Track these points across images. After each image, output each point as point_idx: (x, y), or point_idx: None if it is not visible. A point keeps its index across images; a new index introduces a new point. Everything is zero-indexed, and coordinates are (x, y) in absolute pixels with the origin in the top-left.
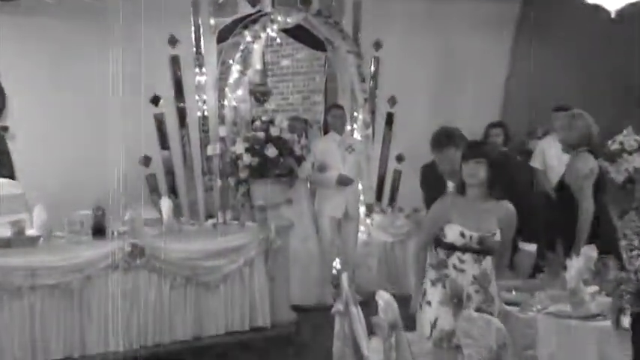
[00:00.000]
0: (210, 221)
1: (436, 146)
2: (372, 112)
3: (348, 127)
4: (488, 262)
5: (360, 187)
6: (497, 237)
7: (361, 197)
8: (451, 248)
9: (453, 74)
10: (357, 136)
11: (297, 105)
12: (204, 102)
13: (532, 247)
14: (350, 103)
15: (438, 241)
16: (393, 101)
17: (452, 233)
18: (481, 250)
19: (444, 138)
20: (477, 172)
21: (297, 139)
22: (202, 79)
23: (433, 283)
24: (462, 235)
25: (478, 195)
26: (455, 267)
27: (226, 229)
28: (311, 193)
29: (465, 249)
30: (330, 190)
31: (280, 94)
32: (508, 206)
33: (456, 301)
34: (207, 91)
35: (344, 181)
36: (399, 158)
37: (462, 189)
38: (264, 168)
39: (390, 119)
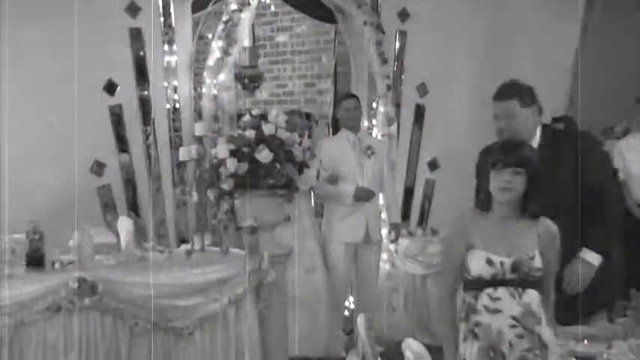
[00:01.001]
0: (184, 247)
1: (496, 96)
2: (397, 105)
3: (366, 124)
4: (531, 295)
5: (381, 201)
6: (537, 261)
7: (383, 215)
8: (479, 285)
9: (503, 54)
10: (377, 135)
11: (297, 94)
12: (175, 90)
13: (595, 258)
14: (367, 92)
15: (464, 281)
16: (423, 90)
17: (476, 263)
18: (519, 280)
19: (508, 88)
20: (512, 184)
21: (298, 139)
22: (172, 59)
23: (465, 338)
24: (490, 262)
25: (508, 212)
26: (487, 309)
27: (204, 258)
28: (316, 209)
29: (496, 282)
30: (343, 208)
31: (275, 80)
32: (547, 223)
33: (492, 354)
34: (179, 75)
35: (363, 195)
36: (433, 164)
37: (486, 204)
38: (255, 177)
39: (419, 113)
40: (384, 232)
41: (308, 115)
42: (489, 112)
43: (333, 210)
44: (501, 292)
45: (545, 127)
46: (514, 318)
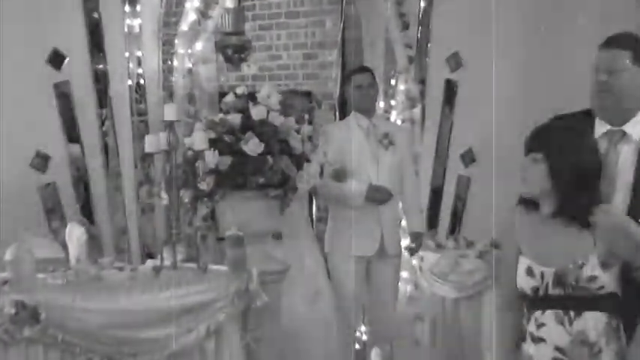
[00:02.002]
0: (150, 263)
1: (604, 44)
2: (422, 81)
3: (382, 105)
4: (588, 319)
5: (400, 205)
6: (590, 270)
7: (403, 222)
8: (527, 302)
9: (556, 18)
10: (396, 119)
11: (295, 68)
12: (140, 63)
13: None
14: (384, 66)
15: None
16: (456, 62)
17: (520, 273)
18: (566, 297)
19: (622, 37)
20: (527, 174)
21: (296, 125)
22: (135, 23)
23: None
24: (530, 272)
25: (551, 210)
26: (532, 337)
27: (177, 277)
28: (318, 214)
29: (539, 299)
30: (353, 212)
31: (267, 50)
32: (607, 214)
33: None
34: (143, 44)
35: (378, 197)
36: (467, 158)
37: (528, 199)
38: (241, 174)
39: (450, 92)
40: (404, 243)
41: (309, 95)
42: (540, 91)
43: (340, 215)
44: (548, 315)
45: None
46: (559, 350)
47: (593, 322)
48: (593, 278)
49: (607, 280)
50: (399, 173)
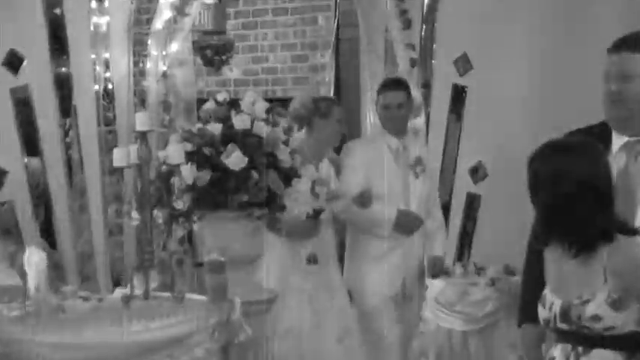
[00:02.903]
0: (119, 292)
1: (612, 48)
2: (426, 86)
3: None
4: (596, 358)
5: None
6: (595, 308)
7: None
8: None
9: (581, 18)
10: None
11: (283, 72)
12: (108, 65)
13: None
14: (384, 68)
15: None
16: (464, 65)
17: (540, 302)
18: (572, 333)
19: (632, 38)
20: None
21: (285, 136)
22: (103, 21)
23: None
24: (543, 302)
25: None
26: None
27: (149, 308)
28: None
29: (553, 331)
30: (379, 244)
31: (252, 52)
32: (621, 246)
33: None
34: (112, 44)
35: (408, 224)
36: (477, 173)
37: None
38: (222, 191)
39: (459, 98)
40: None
41: None
42: (559, 96)
43: (363, 246)
44: (558, 349)
45: None
46: None
47: None
48: (596, 318)
49: (619, 322)
50: (427, 202)
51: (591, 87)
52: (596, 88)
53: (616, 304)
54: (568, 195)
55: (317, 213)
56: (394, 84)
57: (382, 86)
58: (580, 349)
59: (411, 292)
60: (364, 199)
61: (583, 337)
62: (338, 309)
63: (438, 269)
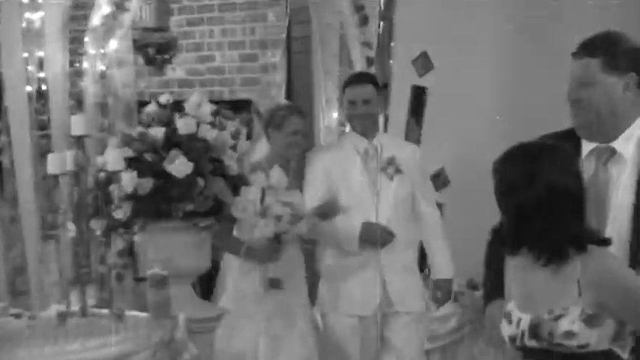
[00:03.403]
0: (55, 309)
1: (575, 52)
2: (384, 85)
3: (335, 116)
4: None
5: (410, 246)
6: (568, 324)
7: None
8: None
9: (546, 13)
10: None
11: (231, 72)
12: (41, 65)
13: None
14: (339, 69)
15: None
16: (425, 64)
17: (503, 319)
18: (543, 352)
19: (593, 41)
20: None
21: (233, 141)
22: (36, 17)
23: None
24: (508, 317)
25: None
26: None
27: (87, 326)
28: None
29: (519, 351)
30: (348, 260)
31: (197, 51)
32: (596, 257)
33: None
34: (46, 42)
35: (374, 238)
36: (440, 179)
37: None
38: (165, 200)
39: (418, 100)
40: (422, 295)
41: (247, 104)
42: (524, 99)
43: (334, 264)
44: None
45: None
46: None
47: None
48: (569, 334)
49: (594, 339)
50: (408, 209)
51: (559, 88)
52: (564, 90)
53: (590, 320)
54: (538, 199)
55: (278, 237)
56: (360, 78)
57: (347, 81)
58: None
59: (393, 308)
60: (326, 211)
61: (554, 356)
62: (298, 335)
63: (445, 293)
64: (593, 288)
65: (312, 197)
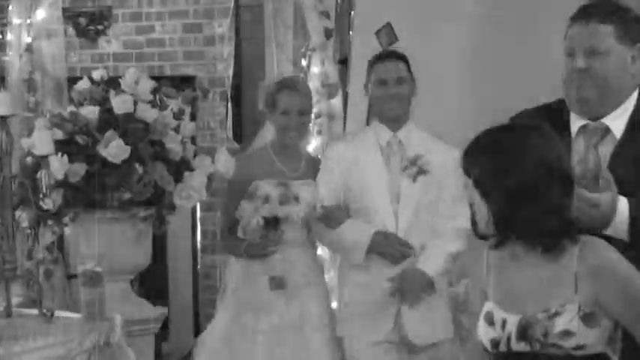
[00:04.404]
0: None
1: (576, 16)
2: (343, 62)
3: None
4: None
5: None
6: (570, 322)
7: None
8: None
9: None
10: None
11: (172, 45)
12: None
13: None
14: (293, 41)
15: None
16: (388, 36)
17: (480, 321)
18: (530, 355)
19: (601, 6)
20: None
21: (175, 121)
22: None
23: None
24: (490, 320)
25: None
26: None
27: (12, 328)
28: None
29: (501, 357)
30: (362, 275)
31: (134, 21)
32: (593, 248)
33: None
34: None
35: (388, 250)
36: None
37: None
38: (99, 188)
39: None
40: (448, 326)
41: (190, 80)
42: (498, 74)
43: (346, 270)
44: None
45: None
46: None
47: None
48: (567, 334)
49: (590, 340)
50: (431, 214)
51: (530, 67)
52: (535, 69)
53: (588, 319)
54: (530, 183)
55: (272, 221)
56: (391, 54)
57: (375, 57)
58: None
59: (412, 340)
60: (330, 218)
61: (542, 358)
62: (315, 350)
63: (409, 289)
64: (592, 280)
65: (321, 195)
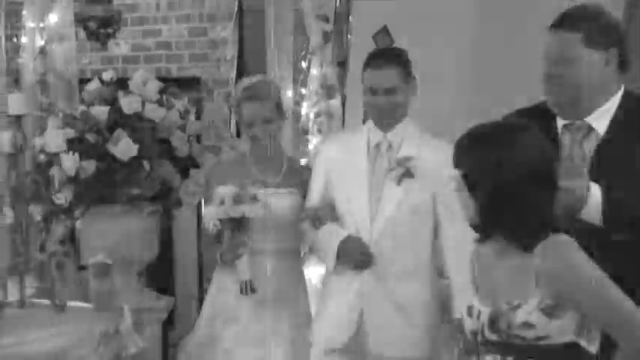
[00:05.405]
0: None
1: (552, 25)
2: (342, 64)
3: (289, 94)
4: None
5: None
6: (525, 314)
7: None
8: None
9: None
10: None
11: (178, 47)
12: None
13: None
14: (293, 44)
15: None
16: (385, 39)
17: (464, 314)
18: (504, 345)
19: (573, 14)
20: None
21: (181, 120)
22: None
23: None
24: (470, 311)
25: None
26: None
27: (26, 318)
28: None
29: (482, 346)
30: (335, 279)
31: (142, 24)
32: (551, 246)
33: None
34: None
35: (352, 256)
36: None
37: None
38: (109, 184)
39: None
40: (418, 345)
41: (195, 82)
42: (493, 74)
43: (327, 281)
44: None
45: (628, 93)
46: None
47: None
48: (527, 325)
49: (554, 331)
50: (418, 227)
51: (530, 62)
52: (533, 64)
53: (550, 311)
54: (513, 183)
55: (233, 224)
56: (383, 58)
57: (366, 61)
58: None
59: (372, 351)
60: (316, 219)
61: (512, 348)
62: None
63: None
64: (550, 281)
65: (311, 194)
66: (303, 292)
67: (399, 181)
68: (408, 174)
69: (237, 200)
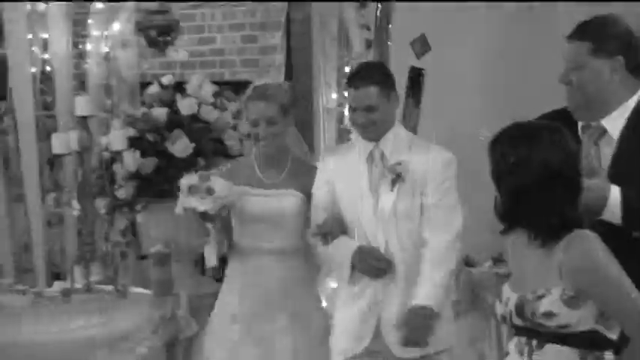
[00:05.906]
0: (59, 286)
1: (568, 36)
2: None
3: (334, 97)
4: (550, 354)
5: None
6: (548, 304)
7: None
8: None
9: None
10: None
11: (231, 54)
12: (45, 47)
13: None
14: (337, 51)
15: None
16: (422, 46)
17: (498, 297)
18: (527, 329)
19: (583, 26)
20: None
21: (233, 121)
22: None
23: None
24: (500, 298)
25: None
26: None
27: (91, 303)
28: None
29: (510, 327)
30: (348, 290)
31: (198, 33)
32: (574, 241)
33: None
34: (50, 24)
35: (366, 267)
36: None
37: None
38: (167, 180)
39: (416, 82)
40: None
41: (247, 85)
42: (520, 80)
43: (339, 292)
44: (513, 343)
45: None
46: None
47: (556, 357)
48: (550, 315)
49: (574, 320)
50: (416, 230)
51: (551, 67)
52: (556, 70)
53: (571, 302)
54: (536, 181)
55: (202, 215)
56: (360, 78)
57: (347, 80)
58: (534, 342)
59: (394, 355)
60: (325, 233)
61: (537, 333)
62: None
63: (417, 325)
64: (572, 275)
65: (317, 211)
66: (310, 290)
67: (392, 187)
68: (398, 178)
69: (193, 191)
